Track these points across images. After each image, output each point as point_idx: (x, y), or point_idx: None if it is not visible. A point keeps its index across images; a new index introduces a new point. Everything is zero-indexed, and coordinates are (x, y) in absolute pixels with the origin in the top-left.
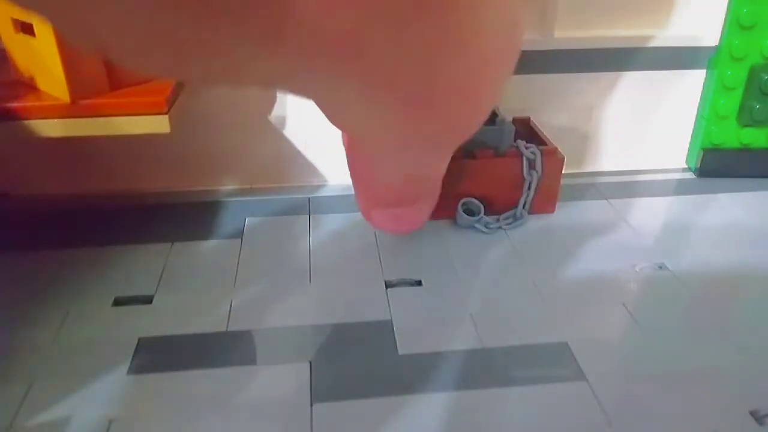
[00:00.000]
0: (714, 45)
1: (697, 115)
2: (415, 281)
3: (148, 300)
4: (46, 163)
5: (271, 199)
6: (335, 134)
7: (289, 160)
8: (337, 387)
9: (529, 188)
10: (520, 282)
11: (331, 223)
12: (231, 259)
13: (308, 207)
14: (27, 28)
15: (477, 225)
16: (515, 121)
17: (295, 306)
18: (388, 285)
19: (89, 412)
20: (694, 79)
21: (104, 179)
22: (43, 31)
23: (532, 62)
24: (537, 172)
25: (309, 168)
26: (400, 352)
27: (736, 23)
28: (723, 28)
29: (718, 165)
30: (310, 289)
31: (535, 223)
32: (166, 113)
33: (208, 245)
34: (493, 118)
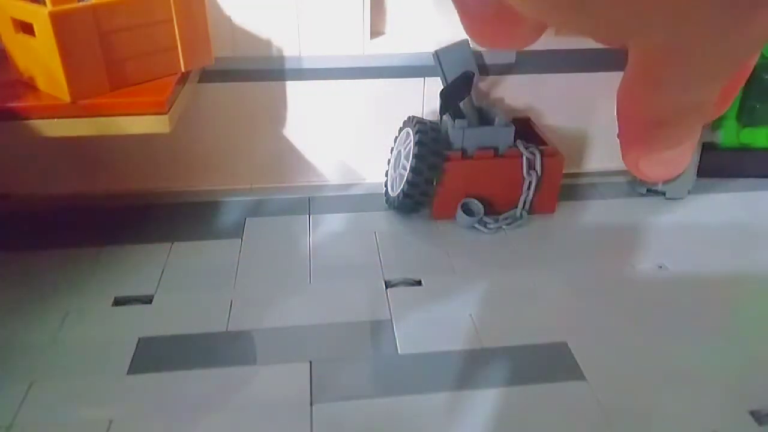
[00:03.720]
0: None
1: None
2: (415, 281)
3: (148, 300)
4: (46, 163)
5: (271, 199)
6: (335, 134)
7: (289, 160)
8: (337, 387)
9: (529, 188)
10: (520, 282)
11: (331, 223)
12: (231, 259)
13: (308, 207)
14: (27, 28)
15: (477, 225)
16: (515, 121)
17: (295, 306)
18: (388, 285)
19: (89, 412)
20: None
21: (105, 179)
22: (43, 31)
23: (532, 62)
24: (537, 172)
25: (309, 168)
26: (400, 352)
27: None
28: None
29: (718, 165)
30: (310, 289)
31: (535, 223)
32: (166, 113)
33: (208, 245)
34: (492, 118)
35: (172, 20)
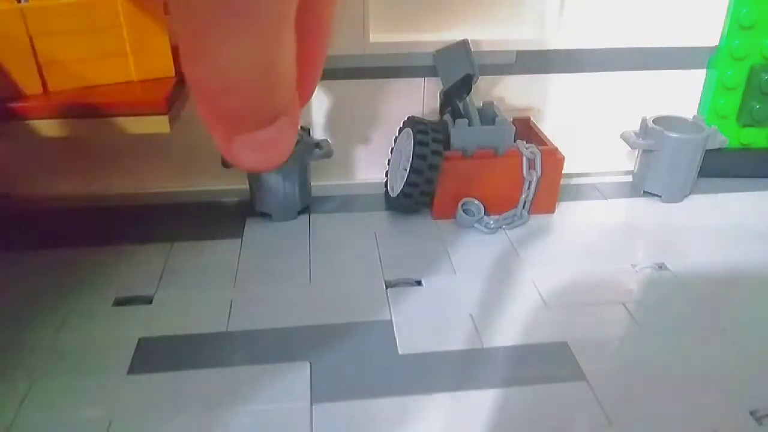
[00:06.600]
0: (714, 45)
1: (697, 115)
2: (415, 281)
3: (148, 300)
4: (46, 163)
5: None
6: (335, 134)
7: None
8: (337, 387)
9: (529, 188)
10: (520, 282)
11: (331, 223)
12: (231, 259)
13: (308, 207)
14: None
15: (477, 225)
16: (515, 121)
17: (295, 306)
18: (388, 285)
19: (89, 412)
20: (694, 79)
21: (105, 179)
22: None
23: (532, 62)
24: (537, 172)
25: (309, 168)
26: (400, 352)
27: (736, 23)
28: (723, 28)
29: (718, 165)
30: (310, 289)
31: (535, 223)
32: (166, 113)
33: (208, 245)
34: (493, 118)
35: (121, 26)
